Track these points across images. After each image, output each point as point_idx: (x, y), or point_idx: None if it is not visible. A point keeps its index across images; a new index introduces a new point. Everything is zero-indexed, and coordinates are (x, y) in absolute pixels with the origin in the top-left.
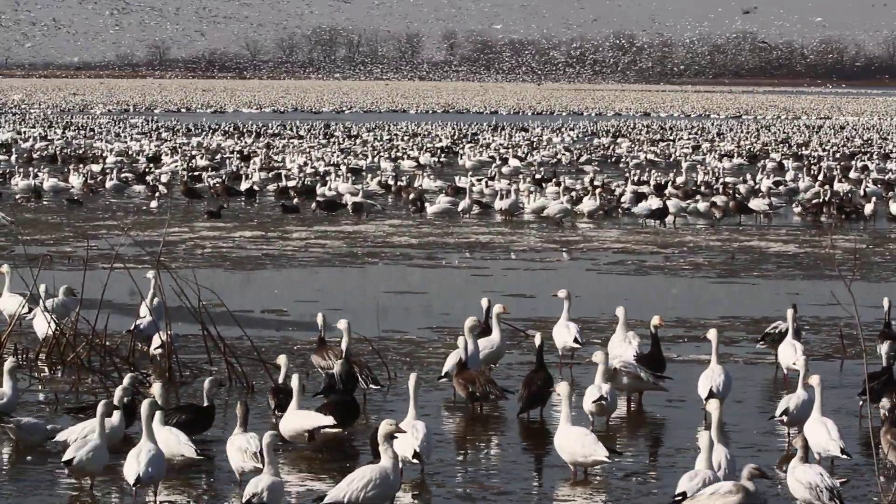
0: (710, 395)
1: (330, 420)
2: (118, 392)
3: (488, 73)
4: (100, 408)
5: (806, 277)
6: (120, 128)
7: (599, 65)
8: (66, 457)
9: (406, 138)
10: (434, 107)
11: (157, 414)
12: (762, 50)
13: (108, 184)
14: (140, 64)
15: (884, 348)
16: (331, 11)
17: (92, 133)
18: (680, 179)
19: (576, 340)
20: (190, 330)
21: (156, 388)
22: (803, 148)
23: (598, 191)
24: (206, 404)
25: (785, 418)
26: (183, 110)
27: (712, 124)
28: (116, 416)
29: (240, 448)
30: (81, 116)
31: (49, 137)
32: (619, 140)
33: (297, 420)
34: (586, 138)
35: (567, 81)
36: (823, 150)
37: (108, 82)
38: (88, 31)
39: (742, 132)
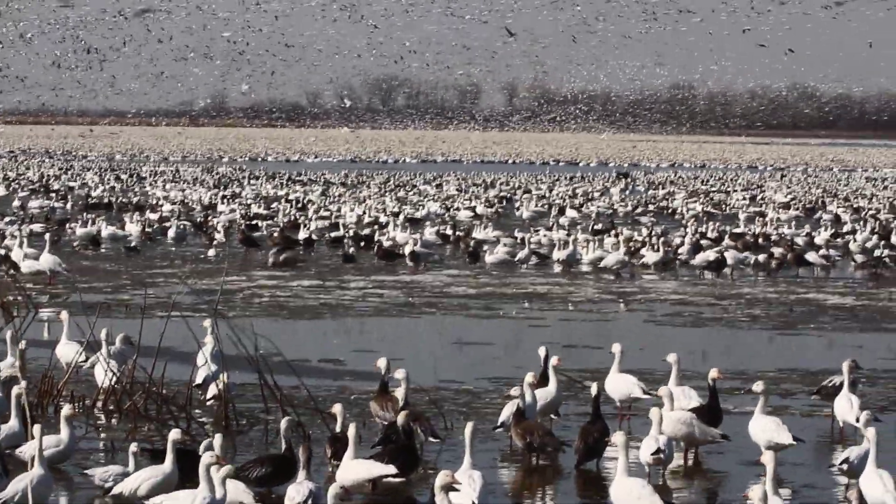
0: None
1: (392, 469)
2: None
3: (547, 124)
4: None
5: (863, 330)
6: (177, 176)
7: (657, 114)
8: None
9: (473, 187)
10: (490, 157)
11: (215, 470)
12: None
13: (171, 232)
14: (197, 112)
15: None
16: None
17: (149, 180)
18: (737, 231)
19: (644, 392)
20: (247, 379)
21: (217, 441)
22: (861, 199)
23: (661, 241)
24: (283, 448)
25: (845, 466)
26: (244, 158)
27: (770, 175)
28: (169, 462)
29: (288, 497)
30: (147, 164)
31: (108, 184)
32: (674, 191)
33: (360, 469)
34: (643, 189)
35: (625, 131)
36: (880, 202)
37: (170, 130)
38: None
39: (797, 183)
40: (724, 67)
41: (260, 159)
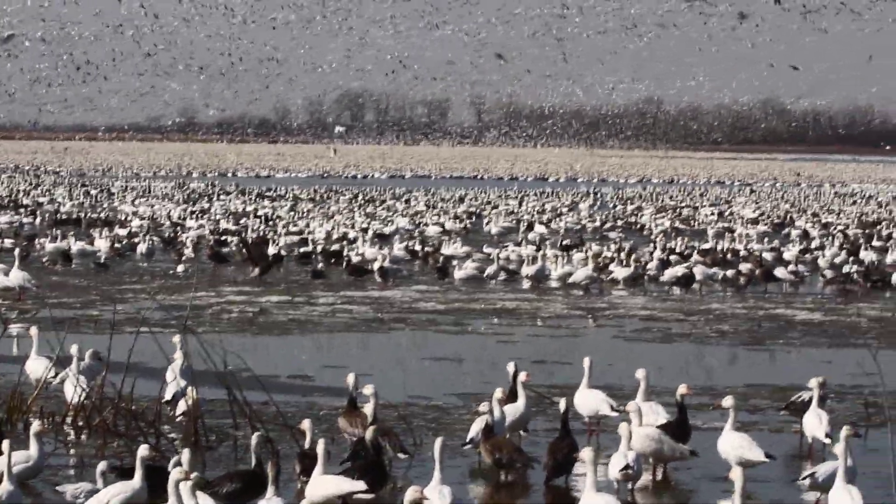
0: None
1: (361, 485)
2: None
3: (515, 140)
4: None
5: (832, 346)
6: (148, 191)
7: (625, 130)
8: None
9: (438, 202)
10: (459, 172)
11: (184, 486)
12: (787, 116)
13: (142, 247)
14: (167, 127)
15: None
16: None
17: (118, 195)
18: (706, 246)
19: (612, 408)
20: (216, 394)
21: (185, 456)
22: (829, 215)
23: (630, 257)
24: (253, 464)
25: (807, 482)
26: (214, 174)
27: (739, 191)
28: (138, 478)
29: None
30: (118, 179)
31: (76, 200)
32: (643, 206)
33: (329, 485)
34: (611, 204)
35: (592, 146)
36: (848, 217)
37: (142, 145)
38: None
39: (766, 198)
40: (701, 83)
41: (230, 174)
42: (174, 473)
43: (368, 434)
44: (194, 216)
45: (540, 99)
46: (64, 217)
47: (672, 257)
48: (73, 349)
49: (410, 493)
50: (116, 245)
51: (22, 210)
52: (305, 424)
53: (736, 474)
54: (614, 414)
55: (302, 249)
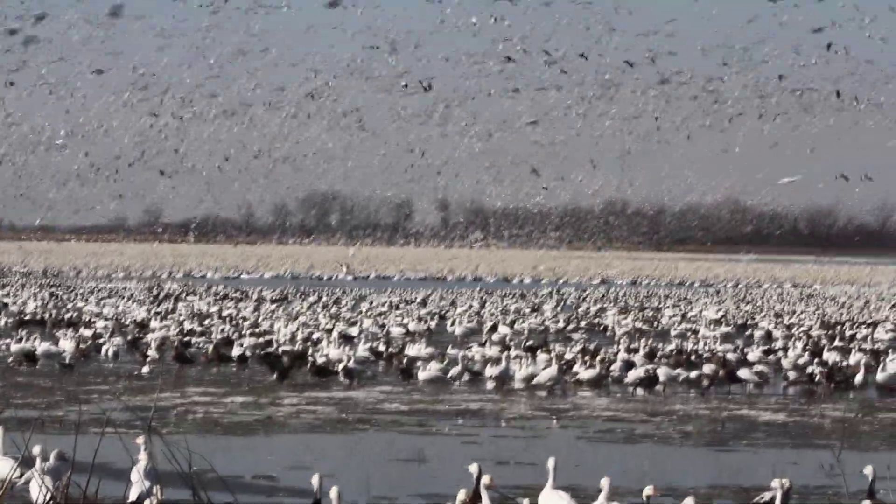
0: None
1: None
2: None
3: (482, 240)
4: None
5: (795, 446)
6: (112, 292)
7: (590, 231)
8: None
9: (401, 305)
10: (422, 273)
11: None
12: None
13: (110, 350)
14: (132, 228)
15: None
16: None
17: (83, 296)
18: (669, 347)
19: None
20: (181, 495)
21: None
22: (792, 316)
23: (597, 359)
24: None
25: None
26: (180, 275)
27: (706, 293)
28: None
29: None
30: (84, 280)
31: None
32: (606, 308)
33: None
34: (574, 306)
35: (558, 248)
36: (811, 319)
37: (106, 246)
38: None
39: (729, 299)
40: (660, 179)
41: (196, 275)
42: None
43: None
44: (159, 317)
45: (505, 200)
46: (28, 318)
47: (636, 358)
48: (37, 449)
49: None
50: (82, 346)
51: None
52: None
53: None
54: None
55: (267, 350)
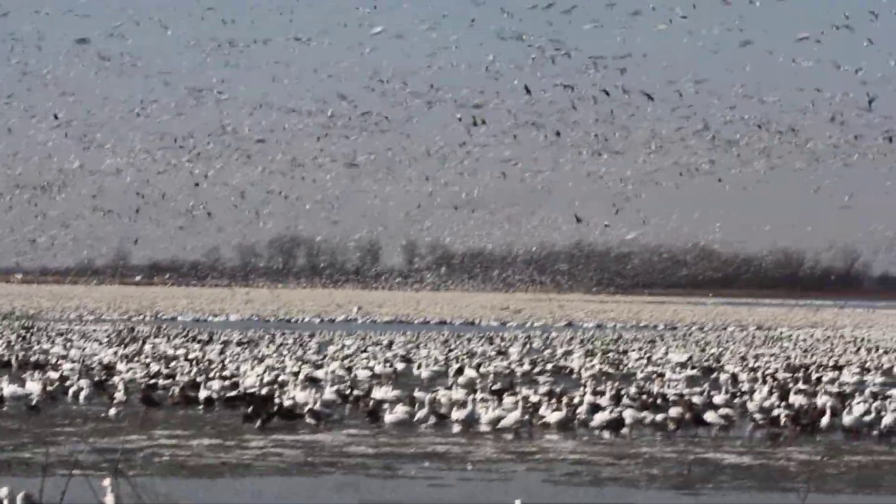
0: None
1: None
2: None
3: (448, 283)
4: None
5: (761, 489)
6: (76, 334)
7: (556, 274)
8: None
9: (368, 346)
10: (385, 316)
11: None
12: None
13: (81, 394)
14: (99, 270)
15: None
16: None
17: (50, 338)
18: (635, 390)
19: None
20: None
21: None
22: (758, 360)
23: (563, 401)
24: None
25: None
26: (148, 317)
27: (671, 335)
28: None
29: None
30: (51, 322)
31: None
32: (572, 351)
33: None
34: (540, 348)
35: (524, 291)
36: (777, 361)
37: (73, 288)
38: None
39: (694, 343)
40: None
41: (163, 317)
42: None
43: None
44: (125, 360)
45: (470, 244)
46: None
47: (602, 401)
48: (4, 492)
49: None
50: (48, 388)
51: None
52: None
53: None
54: None
55: (232, 393)
